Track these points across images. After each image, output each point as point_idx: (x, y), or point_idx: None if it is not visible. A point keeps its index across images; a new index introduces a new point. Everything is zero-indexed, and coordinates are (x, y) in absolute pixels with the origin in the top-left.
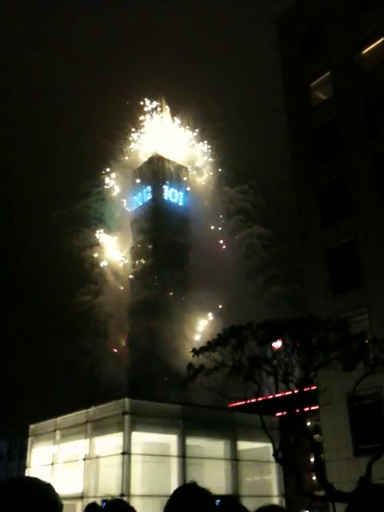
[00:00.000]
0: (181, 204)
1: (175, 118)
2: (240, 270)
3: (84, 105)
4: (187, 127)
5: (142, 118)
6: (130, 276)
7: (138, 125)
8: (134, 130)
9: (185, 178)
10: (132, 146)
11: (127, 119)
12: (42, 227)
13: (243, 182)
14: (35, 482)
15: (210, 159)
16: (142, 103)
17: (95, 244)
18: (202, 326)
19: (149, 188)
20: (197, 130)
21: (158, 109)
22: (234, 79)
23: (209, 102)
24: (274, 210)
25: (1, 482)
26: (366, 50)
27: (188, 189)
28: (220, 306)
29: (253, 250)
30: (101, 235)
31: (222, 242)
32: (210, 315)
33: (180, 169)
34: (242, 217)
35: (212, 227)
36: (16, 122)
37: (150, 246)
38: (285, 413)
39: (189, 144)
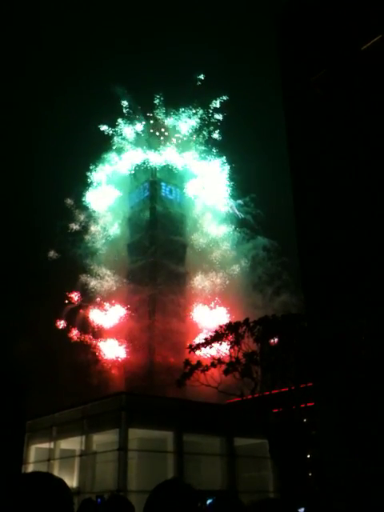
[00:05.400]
0: (178, 202)
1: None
2: (246, 279)
3: (81, 106)
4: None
5: (136, 126)
6: (128, 275)
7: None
8: (130, 134)
9: (183, 177)
10: (130, 149)
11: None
12: (46, 235)
13: (244, 195)
14: (49, 477)
15: (210, 168)
16: (136, 116)
17: (94, 252)
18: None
19: (146, 185)
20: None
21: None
22: (234, 89)
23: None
24: (278, 221)
25: (18, 477)
26: (365, 47)
27: (185, 187)
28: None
29: (258, 261)
30: (100, 242)
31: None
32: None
33: (178, 168)
34: (246, 229)
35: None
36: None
37: (147, 244)
38: (281, 409)
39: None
